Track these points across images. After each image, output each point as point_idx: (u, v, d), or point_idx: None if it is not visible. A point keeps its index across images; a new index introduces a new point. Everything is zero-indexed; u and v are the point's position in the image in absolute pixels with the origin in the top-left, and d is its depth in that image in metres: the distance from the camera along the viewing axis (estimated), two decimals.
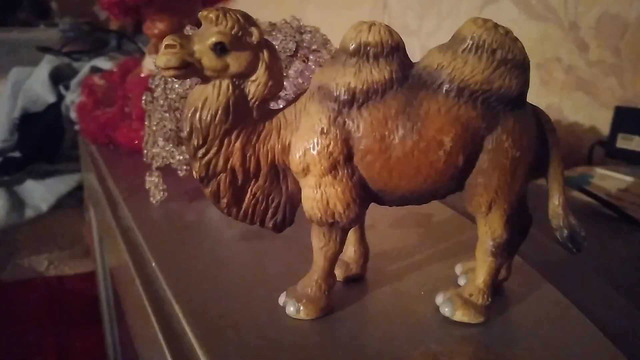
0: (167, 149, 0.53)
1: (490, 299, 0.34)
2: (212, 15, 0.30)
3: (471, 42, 0.30)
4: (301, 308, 0.34)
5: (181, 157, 0.53)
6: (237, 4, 0.68)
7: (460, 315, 0.33)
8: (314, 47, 0.50)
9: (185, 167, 0.55)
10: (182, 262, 0.43)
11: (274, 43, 0.44)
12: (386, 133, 0.31)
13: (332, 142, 0.31)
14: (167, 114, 0.52)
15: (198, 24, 0.33)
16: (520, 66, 0.31)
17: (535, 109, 0.33)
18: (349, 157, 0.32)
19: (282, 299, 0.36)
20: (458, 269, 0.40)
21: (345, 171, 0.32)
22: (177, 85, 0.50)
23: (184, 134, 0.32)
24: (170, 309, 0.37)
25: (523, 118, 0.32)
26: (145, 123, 0.54)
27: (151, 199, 0.56)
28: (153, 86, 0.53)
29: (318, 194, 0.32)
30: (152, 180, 0.55)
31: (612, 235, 0.55)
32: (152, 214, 0.54)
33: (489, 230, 0.33)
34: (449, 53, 0.31)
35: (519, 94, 0.31)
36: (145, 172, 0.57)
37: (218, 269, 0.42)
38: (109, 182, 0.65)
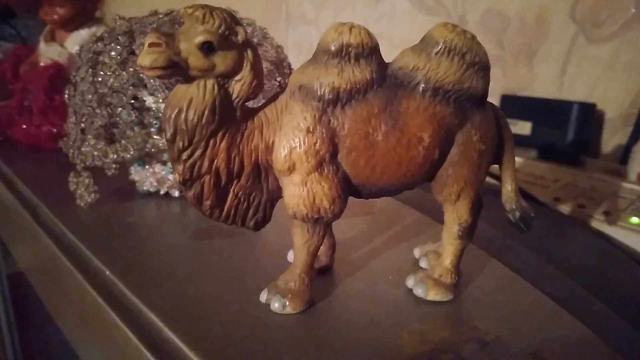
0: (100, 147, 0.49)
1: (457, 278, 0.37)
2: (198, 13, 0.29)
3: (443, 45, 0.33)
4: (287, 303, 0.35)
5: (115, 156, 0.50)
6: None
7: (433, 295, 0.37)
8: (255, 40, 0.50)
9: (114, 166, 0.52)
10: (139, 267, 0.41)
11: None
12: (370, 130, 0.33)
13: (318, 140, 0.32)
14: (98, 110, 0.48)
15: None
16: (484, 68, 0.34)
17: (492, 106, 0.36)
18: (334, 154, 0.33)
19: (264, 296, 0.36)
20: (416, 252, 0.43)
21: (331, 168, 0.33)
22: (112, 79, 0.47)
23: (167, 136, 0.31)
24: (146, 319, 0.35)
25: (487, 114, 0.35)
26: (71, 120, 0.50)
27: (78, 201, 0.52)
28: (78, 79, 0.49)
29: (304, 191, 0.33)
30: (81, 181, 0.51)
31: None
32: (84, 217, 0.50)
33: (456, 216, 0.36)
34: (423, 55, 0.33)
35: (484, 93, 0.34)
36: (59, 171, 0.52)
37: (182, 271, 0.41)
38: (19, 184, 0.59)
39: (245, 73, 0.31)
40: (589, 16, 0.92)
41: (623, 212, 0.68)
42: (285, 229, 0.38)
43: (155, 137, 0.52)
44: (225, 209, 0.34)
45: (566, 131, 0.92)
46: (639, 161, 0.80)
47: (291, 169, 0.33)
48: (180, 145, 0.31)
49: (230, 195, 0.34)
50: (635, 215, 0.66)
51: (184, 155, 0.31)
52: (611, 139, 0.94)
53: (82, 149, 0.49)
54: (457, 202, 0.36)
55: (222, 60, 0.30)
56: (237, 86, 0.31)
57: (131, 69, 0.47)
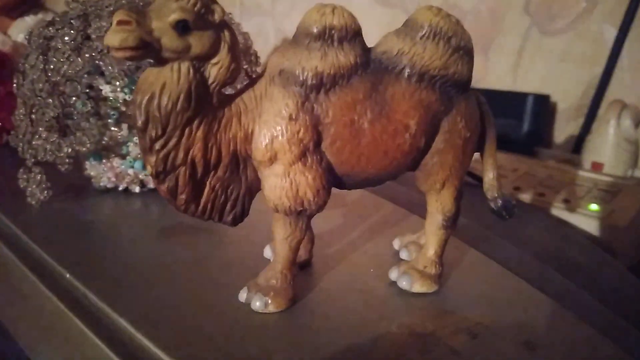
0: (52, 140, 0.45)
1: (441, 268, 0.37)
2: None
3: (429, 29, 0.32)
4: (269, 301, 0.33)
5: (69, 150, 0.46)
6: None
7: (418, 287, 0.36)
8: None
9: (68, 161, 0.48)
10: (102, 269, 0.38)
11: None
12: (355, 117, 0.31)
13: (302, 128, 0.30)
14: (50, 100, 0.44)
15: None
16: (469, 53, 0.33)
17: (475, 93, 0.36)
18: (317, 143, 0.31)
19: (243, 295, 0.34)
20: (396, 243, 0.42)
21: (315, 157, 0.31)
22: (65, 66, 0.43)
23: (139, 124, 0.28)
24: (116, 325, 0.32)
25: (471, 101, 0.34)
26: (20, 111, 0.46)
27: (29, 199, 0.48)
28: (27, 67, 0.45)
29: (287, 183, 0.31)
30: (32, 178, 0.47)
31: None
32: (37, 217, 0.47)
33: (440, 205, 0.36)
34: (407, 39, 0.32)
35: (468, 79, 0.34)
36: (6, 168, 0.48)
37: (151, 272, 0.38)
38: None
39: (223, 56, 0.29)
40: (542, 10, 0.94)
41: (581, 200, 0.70)
42: (259, 224, 0.37)
43: (113, 128, 0.48)
44: (202, 203, 0.31)
45: (521, 122, 0.94)
46: (593, 150, 0.82)
47: (272, 159, 0.31)
48: (153, 134, 0.28)
49: (207, 188, 0.31)
50: (594, 202, 0.68)
51: (157, 145, 0.29)
52: (564, 130, 0.97)
53: (33, 143, 0.45)
54: (441, 190, 0.35)
55: (197, 41, 0.28)
56: (214, 70, 0.29)
57: (87, 55, 0.43)
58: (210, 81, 0.29)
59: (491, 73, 1.00)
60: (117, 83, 0.46)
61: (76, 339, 0.33)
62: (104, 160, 0.50)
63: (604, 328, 0.34)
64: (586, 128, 0.93)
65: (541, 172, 0.81)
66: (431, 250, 0.36)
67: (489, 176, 0.37)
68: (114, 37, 0.25)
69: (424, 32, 0.32)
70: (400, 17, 1.08)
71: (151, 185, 0.52)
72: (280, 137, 0.30)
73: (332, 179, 0.33)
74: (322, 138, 0.31)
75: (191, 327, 0.31)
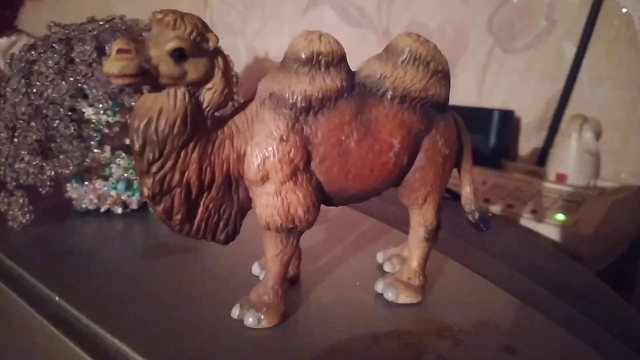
0: (35, 163, 0.45)
1: (424, 280, 0.38)
2: (169, 19, 0.28)
3: (409, 54, 0.34)
4: (262, 317, 0.34)
5: (52, 172, 0.46)
6: None
7: (403, 298, 0.37)
8: None
9: (49, 184, 0.48)
10: (92, 291, 0.38)
11: None
12: (342, 138, 0.33)
13: (292, 149, 0.32)
14: (33, 123, 0.45)
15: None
16: (446, 76, 0.35)
17: (452, 112, 0.38)
18: (307, 162, 0.33)
19: (236, 312, 0.35)
20: (379, 256, 0.43)
21: (305, 176, 0.33)
22: (49, 90, 0.43)
23: (136, 147, 0.29)
24: (110, 346, 0.33)
25: (448, 120, 0.36)
26: (2, 135, 0.45)
27: (10, 223, 0.47)
28: (9, 90, 0.45)
29: (278, 201, 0.32)
30: (14, 201, 0.46)
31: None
32: (18, 239, 0.46)
33: (422, 219, 0.37)
34: (389, 64, 0.34)
35: (446, 100, 0.36)
36: None
37: (140, 293, 0.38)
38: None
39: (217, 81, 0.30)
40: (504, 29, 0.99)
41: (548, 210, 0.74)
42: (244, 242, 0.37)
43: (95, 150, 0.49)
44: (196, 223, 0.32)
45: (488, 136, 0.98)
46: (557, 163, 0.86)
47: (264, 179, 0.32)
48: (150, 157, 0.29)
49: (201, 208, 0.32)
50: (560, 212, 0.71)
51: (154, 168, 0.30)
52: (528, 143, 1.01)
53: (15, 166, 0.45)
54: (423, 205, 0.37)
55: (193, 68, 0.29)
56: (208, 94, 0.30)
57: (71, 79, 0.44)
58: (204, 105, 0.30)
59: (458, 90, 1.04)
60: (101, 105, 0.46)
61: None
62: (86, 182, 0.50)
63: (578, 331, 0.36)
64: (549, 141, 0.97)
65: (509, 185, 0.84)
66: (414, 262, 0.38)
67: (467, 190, 0.39)
68: (114, 65, 0.26)
69: (404, 57, 0.34)
70: (368, 38, 1.12)
71: (133, 206, 0.52)
72: (272, 158, 0.32)
73: (321, 197, 0.34)
74: (311, 157, 0.33)
75: (186, 344, 0.32)
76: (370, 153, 0.33)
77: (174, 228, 0.32)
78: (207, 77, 0.30)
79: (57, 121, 0.45)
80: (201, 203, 0.32)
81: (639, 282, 0.88)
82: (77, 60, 0.44)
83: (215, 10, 1.29)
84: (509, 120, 0.99)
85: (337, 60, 0.33)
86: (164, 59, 0.28)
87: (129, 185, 0.50)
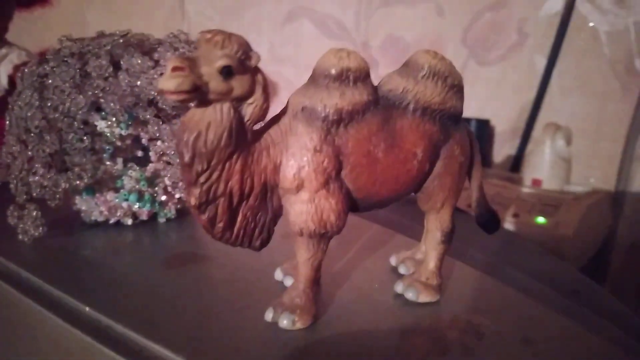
0: (50, 176, 0.46)
1: (441, 280, 0.41)
2: (218, 38, 0.30)
3: (428, 70, 0.37)
4: (296, 319, 0.36)
5: (67, 185, 0.46)
6: None
7: (423, 297, 0.40)
8: None
9: (58, 196, 0.48)
10: (117, 299, 0.39)
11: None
12: (371, 148, 0.35)
13: (325, 159, 0.34)
14: (48, 137, 0.45)
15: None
16: (461, 90, 0.38)
17: (464, 124, 0.41)
18: (338, 171, 0.35)
19: (269, 315, 0.36)
20: (393, 260, 0.46)
21: (337, 184, 0.35)
22: (67, 104, 0.44)
23: (186, 159, 0.30)
24: (148, 351, 0.33)
25: (463, 131, 0.39)
26: (15, 149, 0.46)
27: (21, 236, 0.47)
28: (21, 104, 0.45)
29: (312, 208, 0.34)
30: (26, 215, 0.46)
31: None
32: (31, 253, 0.46)
33: (439, 223, 0.40)
34: (410, 79, 0.37)
35: (461, 112, 0.39)
36: None
37: (165, 299, 0.39)
38: None
39: (257, 96, 0.32)
40: (478, 42, 1.04)
41: (529, 214, 0.78)
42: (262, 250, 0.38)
43: (107, 163, 0.49)
44: (235, 231, 0.34)
45: None
46: (532, 168, 0.91)
47: (299, 187, 0.34)
48: (199, 168, 0.31)
49: (240, 216, 0.34)
50: (540, 216, 0.76)
51: (202, 179, 0.31)
52: (502, 150, 1.06)
53: (30, 180, 0.45)
54: (441, 210, 0.40)
55: (239, 84, 0.31)
56: (250, 109, 0.32)
57: (89, 92, 0.44)
58: (246, 119, 0.32)
59: None
60: (114, 119, 0.47)
61: None
62: (97, 195, 0.50)
63: (579, 320, 0.40)
64: (522, 148, 1.02)
65: (489, 190, 0.88)
66: (432, 264, 0.41)
67: (476, 195, 0.42)
68: (170, 82, 0.28)
69: (424, 73, 0.37)
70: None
71: (144, 217, 0.53)
72: (307, 167, 0.34)
73: (350, 203, 0.36)
74: (342, 167, 0.35)
75: (225, 348, 0.33)
76: (396, 162, 0.36)
77: (215, 235, 0.33)
78: (250, 92, 0.32)
79: (71, 134, 0.46)
80: (240, 211, 0.34)
81: (611, 276, 0.94)
82: (93, 74, 0.45)
83: (192, 22, 1.30)
84: (485, 129, 1.03)
85: (364, 75, 0.35)
86: (214, 76, 0.30)
87: (140, 196, 0.51)
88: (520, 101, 1.00)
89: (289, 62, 1.18)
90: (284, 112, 0.35)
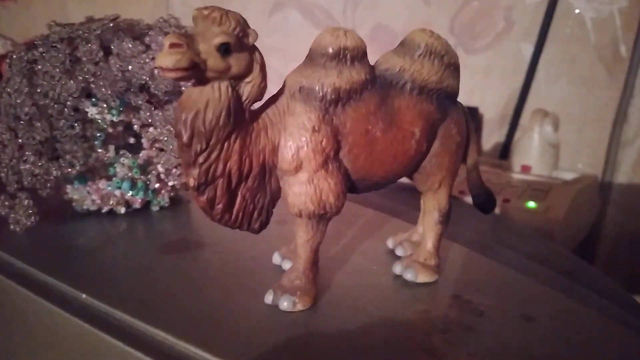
0: (41, 164, 0.45)
1: (439, 260, 0.41)
2: (215, 15, 0.29)
3: (425, 48, 0.37)
4: (297, 301, 0.35)
5: (59, 173, 0.46)
6: None
7: (422, 277, 0.40)
8: None
9: (49, 185, 0.47)
10: (112, 286, 0.39)
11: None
12: (369, 127, 0.35)
13: (324, 139, 0.34)
14: (39, 124, 0.44)
15: None
16: (457, 69, 0.38)
17: (460, 103, 0.41)
18: (337, 151, 0.34)
19: (269, 298, 0.36)
20: (390, 242, 0.46)
21: (335, 164, 0.34)
22: (57, 89, 0.43)
23: (184, 139, 0.30)
24: (149, 335, 0.33)
25: (460, 110, 0.39)
26: (5, 136, 0.45)
27: (12, 226, 0.46)
28: (9, 91, 0.44)
29: (311, 189, 0.34)
30: (18, 204, 0.46)
31: None
32: (23, 242, 0.45)
33: (437, 203, 0.40)
34: (407, 58, 0.37)
35: (457, 91, 0.39)
36: None
37: (164, 285, 0.39)
38: None
39: (255, 75, 0.32)
40: (465, 30, 1.04)
41: (519, 199, 0.79)
42: (257, 234, 0.38)
43: (99, 150, 0.48)
44: (234, 212, 0.34)
45: None
46: (521, 155, 0.92)
47: (298, 168, 0.34)
48: (198, 148, 0.30)
49: (239, 198, 0.33)
50: (531, 200, 0.76)
51: (201, 159, 0.31)
52: (490, 138, 1.07)
53: (21, 168, 0.44)
54: (438, 190, 0.40)
55: (236, 62, 0.30)
56: (247, 88, 0.32)
57: (80, 77, 0.44)
58: (243, 98, 0.32)
59: None
60: (105, 105, 0.46)
61: (115, 357, 0.34)
62: (89, 183, 0.50)
63: (576, 297, 0.40)
64: (510, 135, 1.03)
65: None
66: (430, 244, 0.41)
67: (473, 175, 0.42)
68: (168, 59, 0.27)
69: (421, 51, 0.37)
70: None
71: (137, 205, 0.52)
72: (305, 147, 0.33)
73: (348, 184, 0.36)
74: (340, 147, 0.35)
75: (228, 331, 0.33)
76: (394, 141, 0.36)
77: (214, 217, 0.33)
78: (247, 71, 0.31)
79: (61, 121, 0.45)
80: (239, 193, 0.33)
81: (599, 260, 0.95)
82: (83, 59, 0.44)
83: (177, 12, 1.28)
84: (473, 117, 1.04)
85: (361, 54, 0.35)
86: (212, 53, 0.29)
87: (133, 184, 0.50)
88: (508, 88, 1.01)
89: (277, 52, 1.17)
90: (281, 92, 0.35)
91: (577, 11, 0.90)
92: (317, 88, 0.34)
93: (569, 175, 0.89)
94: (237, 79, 0.31)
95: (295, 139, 0.33)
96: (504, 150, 1.03)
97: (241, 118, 0.32)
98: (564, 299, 0.40)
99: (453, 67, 0.38)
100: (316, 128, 0.33)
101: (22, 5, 0.78)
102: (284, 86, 0.35)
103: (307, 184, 0.34)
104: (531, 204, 0.75)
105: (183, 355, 0.31)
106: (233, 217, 0.34)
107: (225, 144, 0.31)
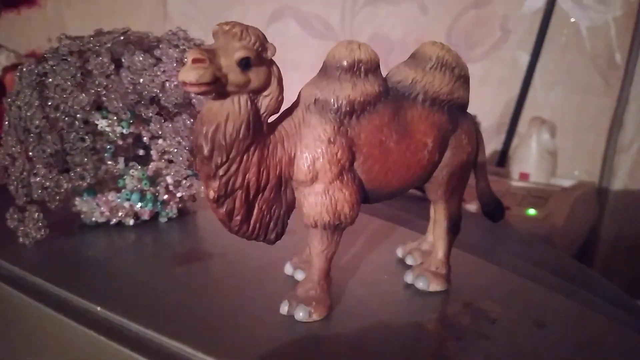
0: (51, 177, 0.45)
1: (450, 268, 0.42)
2: (236, 30, 0.30)
3: (437, 61, 0.37)
4: (312, 311, 0.36)
5: (70, 186, 0.46)
6: None
7: (434, 286, 0.40)
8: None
9: (58, 198, 0.47)
10: (127, 298, 0.39)
11: (176, 56, 0.44)
12: (383, 138, 0.35)
13: (339, 150, 0.34)
14: (49, 137, 0.44)
15: None
16: (467, 80, 0.39)
17: (469, 114, 0.42)
18: (352, 162, 0.35)
19: (285, 308, 0.36)
20: (399, 251, 0.46)
21: (350, 175, 0.35)
22: (70, 102, 0.43)
23: (205, 152, 0.30)
24: (164, 346, 0.33)
25: (470, 121, 0.40)
26: (14, 149, 0.45)
27: (22, 239, 0.46)
28: (20, 104, 0.44)
29: (327, 199, 0.35)
30: (28, 217, 0.46)
31: None
32: (32, 256, 0.45)
33: (447, 212, 0.41)
34: (419, 70, 0.37)
35: (467, 102, 0.39)
36: None
37: (178, 297, 0.39)
38: None
39: (273, 88, 0.32)
40: (462, 39, 1.05)
41: (519, 206, 0.80)
42: (268, 246, 0.38)
43: (109, 162, 0.49)
44: (252, 224, 0.34)
45: None
46: (519, 162, 0.93)
47: (314, 179, 0.34)
48: (219, 160, 0.31)
49: (256, 209, 0.34)
50: (531, 207, 0.77)
51: (221, 171, 0.31)
52: (488, 146, 1.07)
53: (31, 181, 0.44)
54: (449, 199, 0.40)
55: (256, 76, 0.31)
56: (265, 101, 0.32)
57: (92, 90, 0.44)
58: (262, 111, 0.32)
59: None
60: (115, 118, 0.47)
61: None
62: (98, 195, 0.50)
63: (587, 304, 0.41)
64: (507, 143, 1.04)
65: None
66: (440, 253, 0.41)
67: (482, 184, 0.43)
68: (191, 74, 0.28)
69: (432, 64, 0.37)
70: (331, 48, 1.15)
71: (145, 217, 0.52)
72: (321, 159, 0.34)
73: (362, 195, 0.36)
74: (355, 158, 0.35)
75: (245, 342, 0.33)
76: (408, 152, 0.36)
77: (232, 229, 0.33)
78: (266, 84, 0.32)
79: (72, 134, 0.45)
80: (256, 204, 0.34)
81: (597, 265, 0.96)
82: (95, 72, 0.44)
83: (175, 22, 1.29)
84: None
85: (375, 67, 0.36)
86: (233, 67, 0.30)
87: (142, 196, 0.51)
88: (504, 97, 1.02)
89: (276, 62, 1.18)
90: (296, 104, 0.36)
91: (572, 20, 0.92)
92: (332, 100, 0.34)
93: (566, 182, 0.90)
94: (256, 92, 0.32)
95: (311, 150, 0.34)
96: (501, 158, 1.04)
97: (259, 131, 0.32)
98: (572, 304, 0.40)
99: (463, 79, 0.38)
100: (332, 140, 0.34)
101: (22, 16, 0.78)
102: (298, 98, 0.36)
103: (322, 195, 0.34)
104: (532, 211, 0.76)
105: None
106: (250, 228, 0.34)
107: (245, 157, 0.32)
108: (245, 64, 0.30)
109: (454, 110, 0.38)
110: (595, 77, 0.91)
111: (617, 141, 0.91)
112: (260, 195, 0.34)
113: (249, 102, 0.31)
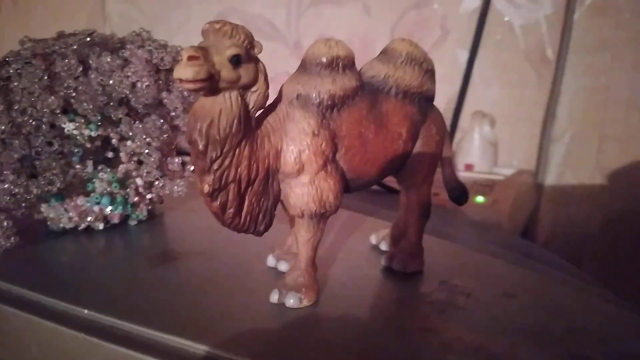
0: (20, 182, 0.44)
1: (423, 250, 0.44)
2: (226, 28, 0.31)
3: (406, 56, 0.40)
4: (302, 297, 0.37)
5: (39, 191, 0.45)
6: None
7: (411, 267, 0.43)
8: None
9: (25, 205, 0.46)
10: (113, 299, 0.39)
11: (145, 56, 0.44)
12: (362, 130, 0.38)
13: (323, 142, 0.36)
14: (17, 141, 0.43)
15: None
16: (434, 74, 0.42)
17: (435, 106, 0.44)
18: (335, 153, 0.37)
19: (275, 297, 0.38)
20: (373, 238, 0.49)
21: (333, 165, 0.37)
22: (39, 105, 0.42)
23: (200, 147, 0.31)
24: (162, 343, 0.34)
25: (437, 111, 0.43)
26: None
27: None
28: None
29: (313, 190, 0.36)
30: None
31: None
32: (5, 264, 0.44)
33: (420, 198, 0.43)
34: (390, 65, 0.40)
35: (434, 94, 0.42)
36: None
37: (164, 294, 0.40)
38: None
39: (260, 84, 0.34)
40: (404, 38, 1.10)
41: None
42: (247, 240, 0.40)
43: (77, 166, 0.48)
44: (243, 216, 0.35)
45: None
46: (463, 154, 0.99)
47: (300, 170, 0.36)
48: (213, 155, 0.32)
49: (247, 202, 0.35)
50: (479, 195, 0.82)
51: (215, 166, 0.32)
52: None
53: None
54: (421, 186, 0.43)
55: (246, 73, 0.32)
56: (254, 97, 0.33)
57: (61, 93, 0.43)
58: (250, 106, 0.33)
59: None
60: (82, 120, 0.46)
61: None
62: (66, 200, 0.49)
63: (546, 275, 0.45)
64: (451, 136, 1.09)
65: None
66: (414, 237, 0.44)
67: (447, 171, 0.46)
68: (188, 71, 0.29)
69: (402, 59, 0.40)
70: (279, 50, 1.17)
71: (115, 220, 0.52)
72: (306, 151, 0.36)
73: (344, 184, 0.38)
74: (337, 149, 0.37)
75: (239, 331, 0.34)
76: (385, 142, 0.39)
77: (225, 221, 0.34)
78: (254, 80, 0.33)
79: (40, 138, 0.44)
80: (247, 197, 0.35)
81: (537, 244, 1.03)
82: (62, 74, 0.44)
83: (115, 24, 1.26)
84: None
85: (351, 63, 0.38)
86: (225, 64, 0.31)
87: (112, 199, 0.50)
88: (446, 93, 1.07)
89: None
90: (278, 100, 0.37)
91: (506, 19, 0.98)
92: (314, 95, 0.36)
93: (507, 171, 0.96)
94: (245, 88, 0.33)
95: (296, 143, 0.36)
96: None
97: (249, 125, 0.33)
98: (534, 275, 0.44)
99: (430, 73, 0.41)
100: (316, 132, 0.36)
101: None
102: (280, 94, 0.37)
103: (308, 186, 0.36)
104: (480, 199, 0.81)
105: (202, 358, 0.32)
106: (242, 220, 0.35)
107: (237, 151, 0.33)
108: (236, 61, 0.31)
109: (423, 102, 0.41)
110: (529, 71, 0.98)
111: (551, 131, 0.98)
112: (250, 188, 0.35)
113: (239, 98, 0.32)
